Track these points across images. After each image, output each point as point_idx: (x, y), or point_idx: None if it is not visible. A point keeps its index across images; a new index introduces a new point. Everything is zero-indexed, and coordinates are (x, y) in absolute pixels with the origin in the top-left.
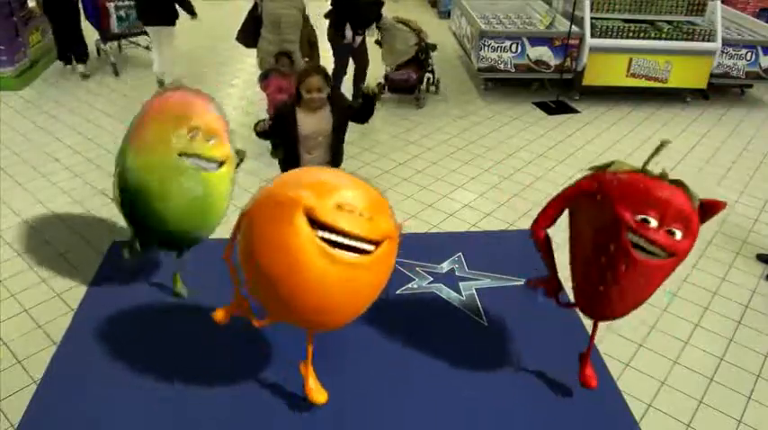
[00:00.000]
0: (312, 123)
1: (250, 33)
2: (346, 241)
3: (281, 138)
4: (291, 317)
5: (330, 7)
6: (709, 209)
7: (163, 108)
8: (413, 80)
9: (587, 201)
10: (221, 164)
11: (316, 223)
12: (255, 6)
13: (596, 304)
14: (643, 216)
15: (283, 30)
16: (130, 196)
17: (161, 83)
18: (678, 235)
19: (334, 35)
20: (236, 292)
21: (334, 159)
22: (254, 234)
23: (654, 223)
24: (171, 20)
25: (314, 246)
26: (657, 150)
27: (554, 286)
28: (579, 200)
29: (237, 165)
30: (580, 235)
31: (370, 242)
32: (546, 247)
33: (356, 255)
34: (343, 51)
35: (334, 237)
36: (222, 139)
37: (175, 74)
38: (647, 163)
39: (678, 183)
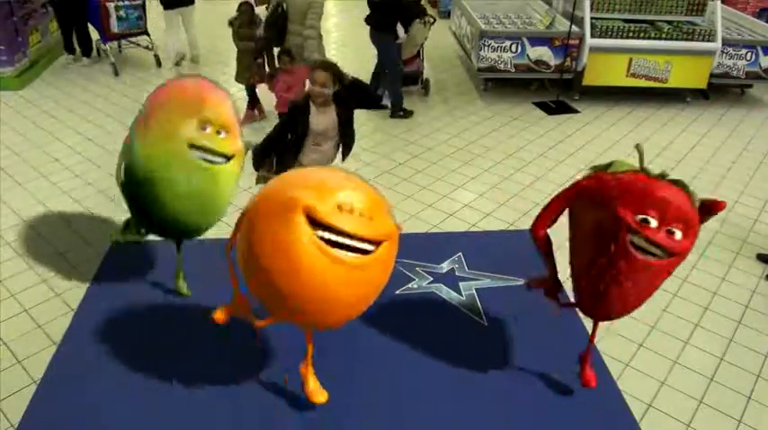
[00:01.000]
0: (323, 121)
1: (275, 28)
2: (347, 241)
3: (293, 132)
4: (291, 316)
5: (372, 11)
6: (709, 208)
7: (176, 94)
8: (422, 69)
9: (587, 200)
10: (229, 158)
11: (316, 223)
12: (278, 5)
13: (597, 304)
14: (643, 216)
15: (308, 17)
16: (135, 181)
17: (178, 63)
18: (678, 234)
19: (384, 37)
20: (235, 292)
21: (345, 148)
22: (255, 233)
23: (654, 223)
24: None
25: (314, 245)
26: (641, 153)
27: (553, 286)
28: (579, 199)
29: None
30: (580, 235)
31: (370, 242)
32: (546, 247)
33: (356, 255)
34: (396, 51)
35: (334, 238)
36: (233, 134)
37: (201, 51)
38: (643, 163)
39: (678, 183)
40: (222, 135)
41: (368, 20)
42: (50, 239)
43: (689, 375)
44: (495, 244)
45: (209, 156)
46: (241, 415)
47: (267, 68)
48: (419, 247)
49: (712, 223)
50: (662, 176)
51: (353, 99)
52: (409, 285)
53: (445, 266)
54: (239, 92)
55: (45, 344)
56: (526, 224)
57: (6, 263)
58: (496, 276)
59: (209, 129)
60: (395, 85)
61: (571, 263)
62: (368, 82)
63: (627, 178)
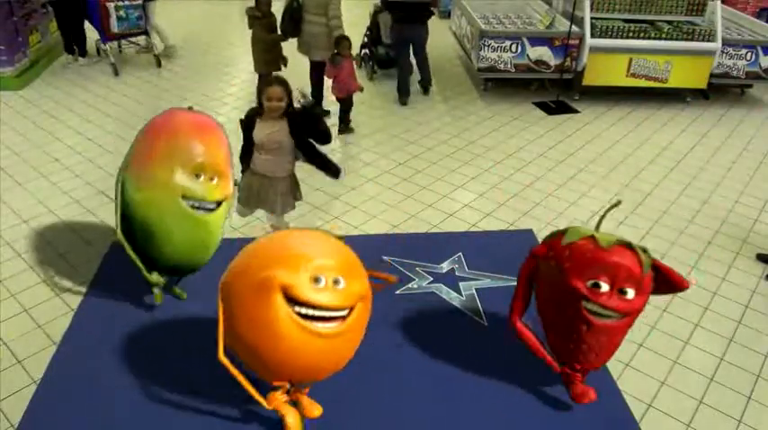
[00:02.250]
0: (265, 132)
1: (292, 22)
2: (322, 313)
3: (247, 145)
4: (275, 378)
5: (409, 8)
6: (672, 283)
7: (170, 139)
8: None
9: (544, 267)
10: (220, 203)
11: (293, 300)
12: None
13: (571, 359)
14: (594, 281)
15: (330, 9)
16: (129, 221)
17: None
18: (630, 293)
19: (425, 28)
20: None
21: (321, 165)
22: (235, 310)
23: (605, 287)
24: None
25: (293, 322)
26: (611, 208)
27: (555, 368)
28: (537, 267)
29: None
30: (543, 298)
31: (344, 309)
32: (526, 336)
33: (332, 324)
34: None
35: (311, 312)
36: (226, 177)
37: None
38: (599, 224)
39: (628, 245)
40: (215, 181)
41: (405, 18)
42: (50, 239)
43: (689, 375)
44: (495, 244)
45: (202, 206)
46: (242, 415)
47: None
48: (419, 247)
49: (712, 223)
50: (609, 242)
51: (303, 121)
52: (409, 285)
53: (445, 266)
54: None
55: (45, 344)
56: (526, 224)
57: (6, 263)
58: (496, 276)
59: (202, 178)
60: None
61: (540, 321)
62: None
63: (577, 247)
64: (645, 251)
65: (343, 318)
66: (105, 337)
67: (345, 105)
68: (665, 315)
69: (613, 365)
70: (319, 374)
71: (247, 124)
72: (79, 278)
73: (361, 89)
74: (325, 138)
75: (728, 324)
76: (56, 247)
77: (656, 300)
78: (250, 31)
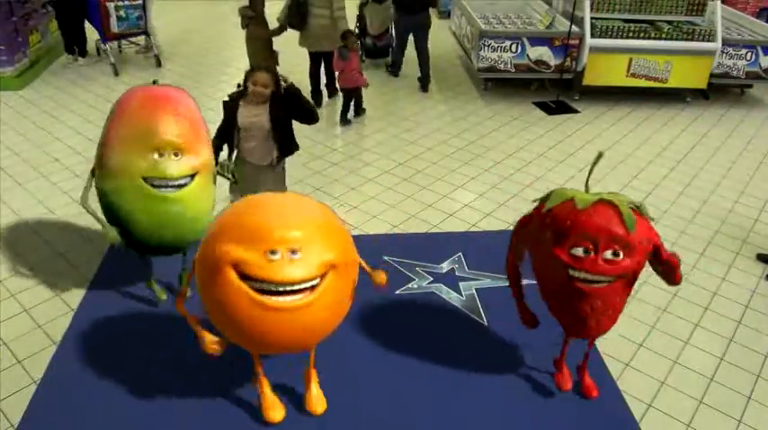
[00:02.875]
0: (248, 117)
1: (298, 16)
2: (279, 288)
3: (225, 127)
4: (249, 349)
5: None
6: (667, 261)
7: (127, 121)
8: (391, 43)
9: (531, 238)
10: (192, 176)
11: (246, 276)
12: None
13: (571, 327)
14: (578, 248)
15: (334, 3)
16: (104, 207)
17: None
18: (620, 255)
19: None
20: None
21: (282, 150)
22: (199, 284)
23: (591, 253)
24: None
25: (248, 298)
26: (596, 161)
27: (526, 318)
28: (525, 237)
29: (230, 178)
30: (536, 269)
31: (306, 280)
32: (513, 281)
33: (297, 296)
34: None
35: (267, 286)
36: (192, 151)
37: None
38: (587, 182)
39: (609, 203)
40: (179, 157)
41: (407, 6)
42: (50, 239)
43: (689, 375)
44: (495, 244)
45: (171, 184)
46: (241, 416)
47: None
48: (419, 247)
49: (712, 223)
50: (591, 202)
51: (287, 105)
52: (409, 285)
53: (445, 266)
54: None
55: (45, 344)
56: None
57: (6, 263)
58: (496, 276)
59: (165, 155)
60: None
61: (540, 291)
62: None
63: (557, 214)
64: (637, 206)
65: (312, 288)
66: (105, 337)
67: (354, 97)
68: (665, 315)
69: (613, 365)
70: (292, 346)
71: (230, 106)
72: (79, 278)
73: (367, 85)
74: (311, 116)
75: (728, 324)
76: (56, 247)
77: (657, 300)
78: (244, 31)
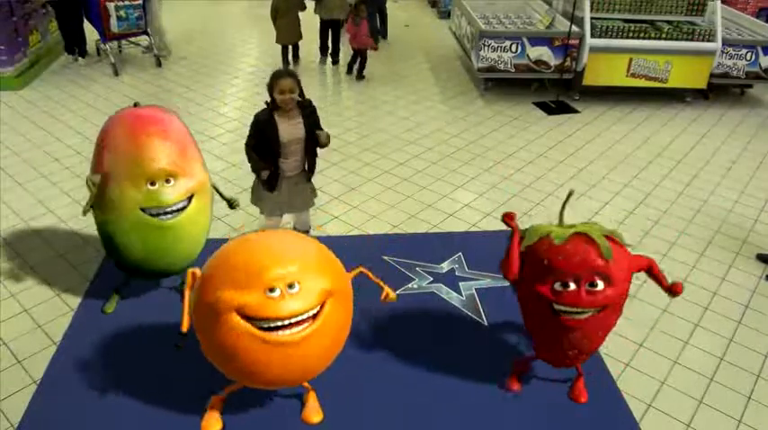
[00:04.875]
0: (289, 130)
1: None
2: (284, 322)
3: (261, 145)
4: (255, 385)
5: None
6: (668, 288)
7: (115, 154)
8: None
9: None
10: (190, 199)
11: (250, 317)
12: None
13: (558, 359)
14: (560, 282)
15: None
16: (103, 238)
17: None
18: (600, 285)
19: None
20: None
21: (310, 166)
22: (199, 329)
23: (572, 285)
24: None
25: (252, 338)
26: (567, 199)
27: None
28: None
29: (231, 205)
30: (521, 303)
31: (306, 311)
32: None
33: (301, 327)
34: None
35: (271, 324)
36: (184, 174)
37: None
38: (561, 217)
39: (585, 234)
40: (171, 183)
41: None
42: (50, 240)
43: (689, 375)
44: (495, 244)
45: (165, 212)
46: (241, 416)
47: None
48: (419, 247)
49: (712, 223)
50: (566, 236)
51: (312, 117)
52: (409, 285)
53: (445, 266)
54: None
55: (45, 344)
56: (526, 224)
57: (6, 263)
58: (496, 276)
59: (157, 183)
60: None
61: (524, 321)
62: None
63: (534, 250)
64: (611, 234)
65: (313, 317)
66: (105, 337)
67: (361, 57)
68: (665, 315)
69: (613, 365)
70: (296, 378)
71: (265, 124)
72: (79, 278)
73: (375, 48)
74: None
75: (728, 324)
76: (56, 248)
77: (657, 300)
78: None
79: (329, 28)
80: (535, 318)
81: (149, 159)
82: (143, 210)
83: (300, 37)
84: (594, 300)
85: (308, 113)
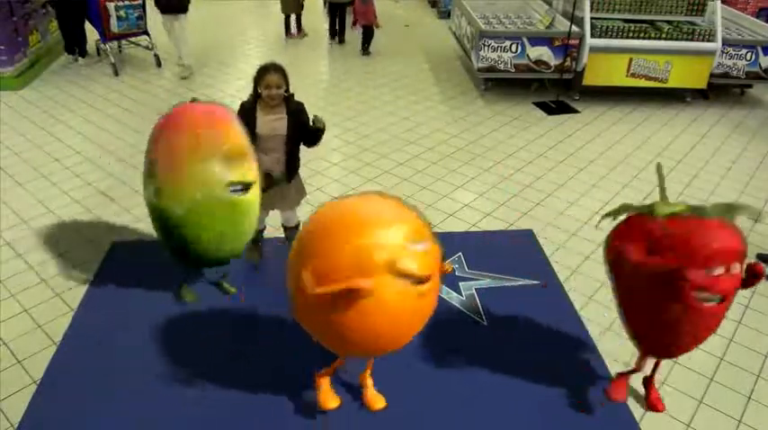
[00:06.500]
0: (269, 124)
1: None
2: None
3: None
4: (367, 350)
5: None
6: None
7: (194, 136)
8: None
9: (635, 253)
10: (253, 182)
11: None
12: None
13: (661, 348)
14: (710, 269)
15: None
16: (168, 225)
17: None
18: (737, 267)
19: None
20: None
21: (290, 165)
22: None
23: (720, 270)
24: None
25: (417, 295)
26: (661, 176)
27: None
28: (624, 252)
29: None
30: (634, 290)
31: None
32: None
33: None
34: None
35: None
36: (251, 156)
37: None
38: (663, 185)
39: (725, 219)
40: (245, 164)
41: None
42: (50, 239)
43: (689, 375)
44: (495, 244)
45: (241, 188)
46: (241, 415)
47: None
48: None
49: None
50: (708, 212)
51: (299, 116)
52: None
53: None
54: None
55: (45, 344)
56: (526, 224)
57: (6, 263)
58: (496, 276)
59: (236, 161)
60: None
61: (626, 313)
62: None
63: (681, 232)
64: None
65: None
66: (105, 337)
67: (367, 34)
68: None
69: (613, 365)
70: (406, 339)
71: (246, 113)
72: (79, 278)
73: (378, 25)
74: (317, 137)
75: (728, 324)
76: (56, 247)
77: None
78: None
79: (337, 10)
80: (657, 304)
81: (234, 137)
82: (230, 185)
83: (301, 8)
84: (732, 287)
85: (295, 112)
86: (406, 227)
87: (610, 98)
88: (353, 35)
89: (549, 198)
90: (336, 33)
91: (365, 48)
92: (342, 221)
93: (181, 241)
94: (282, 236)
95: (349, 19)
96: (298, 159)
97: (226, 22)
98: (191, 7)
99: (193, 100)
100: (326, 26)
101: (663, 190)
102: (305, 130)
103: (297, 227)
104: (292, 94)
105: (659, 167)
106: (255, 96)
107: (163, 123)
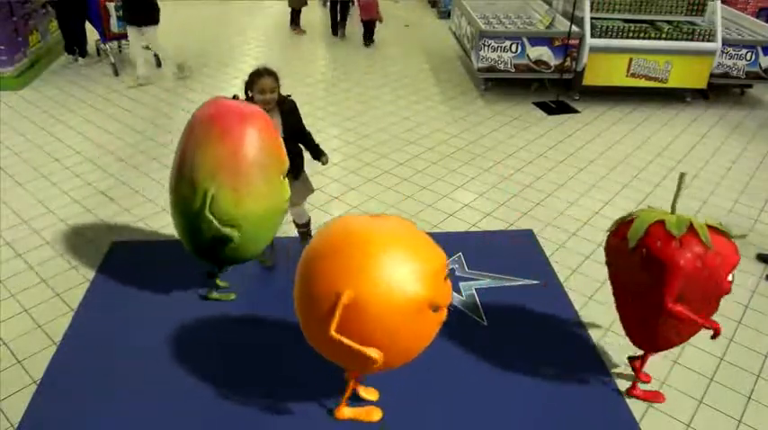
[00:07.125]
0: None
1: None
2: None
3: None
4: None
5: None
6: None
7: (265, 154)
8: None
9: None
10: None
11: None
12: None
13: (656, 343)
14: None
15: None
16: (210, 232)
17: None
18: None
19: None
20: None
21: (294, 164)
22: (374, 325)
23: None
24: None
25: (438, 324)
26: (680, 185)
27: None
28: (646, 260)
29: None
30: (645, 293)
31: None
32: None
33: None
34: None
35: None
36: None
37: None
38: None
39: (725, 235)
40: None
41: None
42: (50, 239)
43: (689, 375)
44: (495, 244)
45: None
46: (241, 415)
47: None
48: None
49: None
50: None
51: (293, 119)
52: None
53: None
54: None
55: (45, 344)
56: (526, 224)
57: (6, 263)
58: (496, 276)
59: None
60: None
61: (629, 315)
62: None
63: (724, 250)
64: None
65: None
66: (105, 337)
67: (369, 27)
68: None
69: (613, 366)
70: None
71: None
72: (79, 278)
73: (381, 20)
74: (316, 152)
75: (728, 324)
76: (55, 247)
77: None
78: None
79: (338, 6)
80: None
81: (284, 157)
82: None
83: (305, 3)
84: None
85: (287, 111)
86: (439, 261)
87: (610, 98)
88: (354, 30)
89: (548, 198)
90: (338, 29)
91: (368, 39)
92: (377, 252)
93: (219, 243)
94: (281, 235)
95: (354, 14)
96: (301, 157)
97: (226, 22)
98: (191, 7)
99: (235, 97)
100: (328, 21)
101: (676, 198)
102: (299, 127)
103: (308, 223)
104: (285, 96)
105: (681, 177)
106: (248, 99)
107: (217, 123)
